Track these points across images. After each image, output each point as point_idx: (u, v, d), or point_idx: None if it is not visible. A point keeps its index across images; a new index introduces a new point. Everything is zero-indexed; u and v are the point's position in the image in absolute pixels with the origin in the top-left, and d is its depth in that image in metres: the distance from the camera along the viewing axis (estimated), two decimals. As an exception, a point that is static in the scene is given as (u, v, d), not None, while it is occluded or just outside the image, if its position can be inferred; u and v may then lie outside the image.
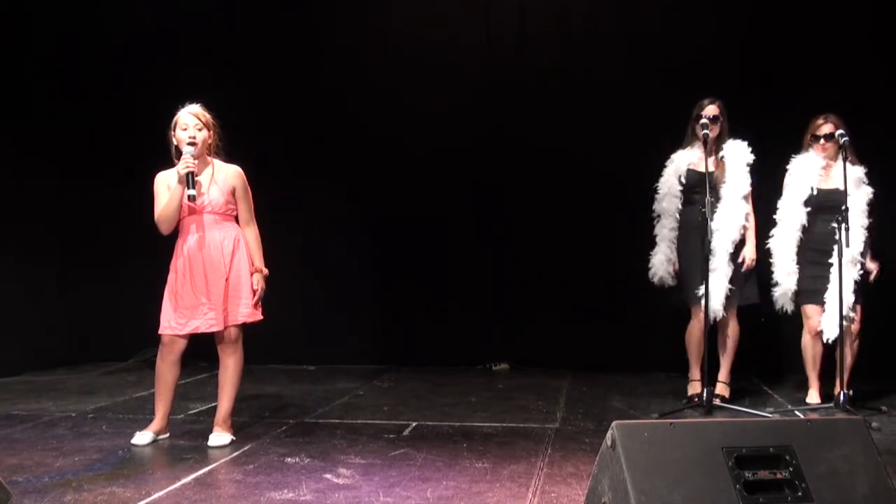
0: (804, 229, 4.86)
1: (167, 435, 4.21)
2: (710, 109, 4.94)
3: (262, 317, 4.16)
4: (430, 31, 6.52)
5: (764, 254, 4.97)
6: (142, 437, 4.10)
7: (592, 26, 6.43)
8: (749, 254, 4.91)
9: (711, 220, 4.67)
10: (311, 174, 6.62)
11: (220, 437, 4.11)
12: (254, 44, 6.65)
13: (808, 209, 4.85)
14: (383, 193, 6.63)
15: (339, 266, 6.66)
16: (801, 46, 5.95)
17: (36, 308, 6.53)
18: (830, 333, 4.68)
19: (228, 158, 4.24)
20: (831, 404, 4.65)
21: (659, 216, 5.11)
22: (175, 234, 4.12)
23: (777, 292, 4.93)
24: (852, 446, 2.49)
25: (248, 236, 4.16)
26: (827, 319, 4.70)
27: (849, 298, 4.64)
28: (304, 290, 6.58)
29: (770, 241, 4.94)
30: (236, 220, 4.17)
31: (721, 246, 4.86)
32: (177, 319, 4.04)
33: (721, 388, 4.97)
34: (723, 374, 5.02)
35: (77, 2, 6.77)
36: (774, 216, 4.95)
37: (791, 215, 4.89)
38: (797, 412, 4.72)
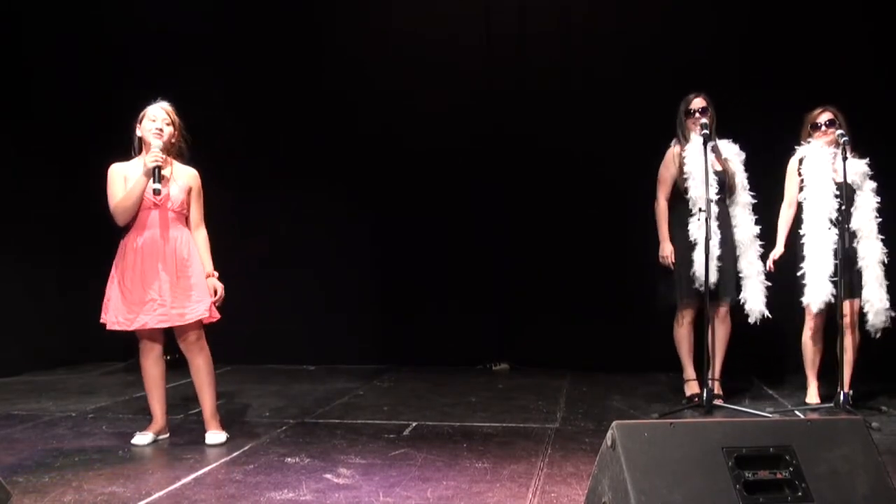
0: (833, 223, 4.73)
1: (167, 435, 4.21)
2: (698, 102, 4.94)
3: (218, 316, 4.12)
4: (430, 31, 6.52)
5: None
6: (142, 438, 4.10)
7: (592, 26, 6.43)
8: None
9: (711, 218, 4.65)
10: (311, 174, 6.62)
11: (215, 435, 4.15)
12: (254, 44, 6.65)
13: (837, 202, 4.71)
14: (383, 193, 6.63)
15: (339, 266, 6.66)
16: (800, 46, 5.94)
17: (36, 308, 6.52)
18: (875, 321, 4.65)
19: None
20: (831, 404, 4.64)
21: (696, 210, 4.85)
22: (122, 228, 4.09)
23: (816, 294, 4.70)
24: (852, 446, 2.49)
25: (198, 238, 4.15)
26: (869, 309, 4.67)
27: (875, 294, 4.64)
28: (304, 290, 6.59)
29: (803, 235, 4.80)
30: (187, 221, 4.16)
31: (751, 249, 4.87)
32: (125, 315, 3.99)
33: (715, 387, 4.96)
34: (716, 372, 5.01)
35: (77, 2, 6.77)
36: (802, 216, 4.82)
37: (823, 210, 4.71)
38: (797, 412, 4.72)
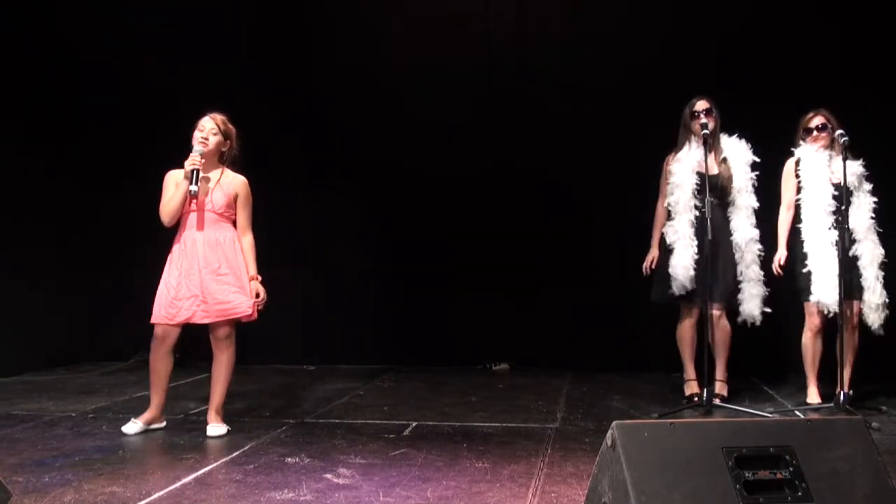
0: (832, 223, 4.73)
1: (163, 424, 4.28)
2: (702, 104, 4.94)
3: (255, 317, 4.28)
4: (430, 35, 6.52)
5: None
6: (131, 427, 4.21)
7: (593, 27, 6.43)
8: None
9: (710, 218, 4.65)
10: (313, 174, 6.63)
11: (217, 427, 4.26)
12: (259, 46, 6.65)
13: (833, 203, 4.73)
14: (383, 193, 6.64)
15: (339, 266, 6.67)
16: (799, 48, 5.95)
17: (35, 308, 6.52)
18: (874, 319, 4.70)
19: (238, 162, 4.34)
20: (831, 404, 4.64)
21: (675, 215, 4.93)
22: (174, 228, 4.28)
23: (816, 290, 4.71)
24: (852, 446, 2.48)
25: (245, 243, 4.33)
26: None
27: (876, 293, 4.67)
28: (304, 290, 6.59)
29: (803, 235, 4.80)
30: (234, 225, 4.33)
31: (749, 252, 4.89)
32: (167, 309, 4.16)
33: (719, 387, 4.97)
34: (719, 373, 5.01)
35: (76, 1, 6.76)
36: (801, 216, 4.82)
37: (821, 210, 4.73)
38: (797, 412, 4.71)
